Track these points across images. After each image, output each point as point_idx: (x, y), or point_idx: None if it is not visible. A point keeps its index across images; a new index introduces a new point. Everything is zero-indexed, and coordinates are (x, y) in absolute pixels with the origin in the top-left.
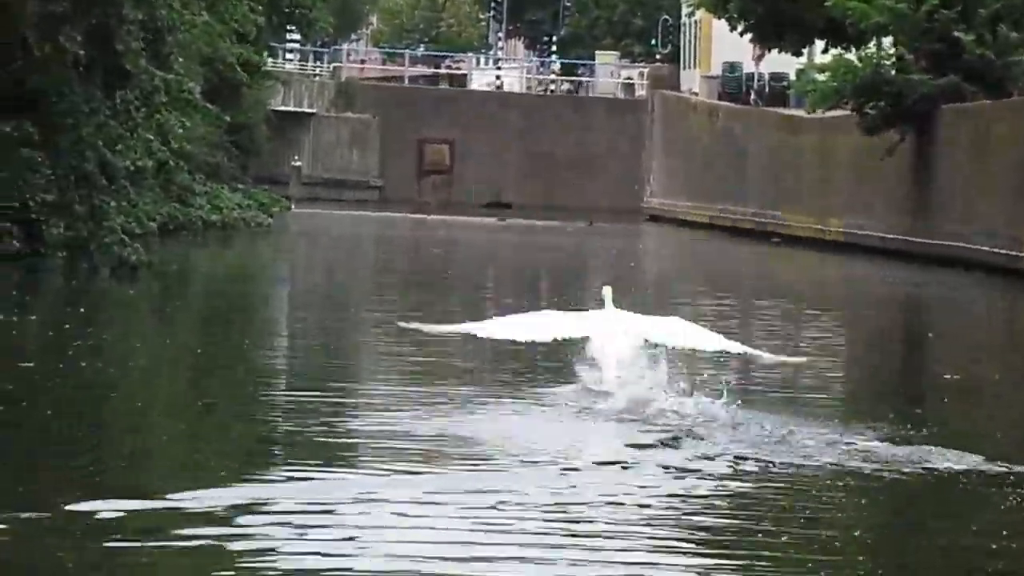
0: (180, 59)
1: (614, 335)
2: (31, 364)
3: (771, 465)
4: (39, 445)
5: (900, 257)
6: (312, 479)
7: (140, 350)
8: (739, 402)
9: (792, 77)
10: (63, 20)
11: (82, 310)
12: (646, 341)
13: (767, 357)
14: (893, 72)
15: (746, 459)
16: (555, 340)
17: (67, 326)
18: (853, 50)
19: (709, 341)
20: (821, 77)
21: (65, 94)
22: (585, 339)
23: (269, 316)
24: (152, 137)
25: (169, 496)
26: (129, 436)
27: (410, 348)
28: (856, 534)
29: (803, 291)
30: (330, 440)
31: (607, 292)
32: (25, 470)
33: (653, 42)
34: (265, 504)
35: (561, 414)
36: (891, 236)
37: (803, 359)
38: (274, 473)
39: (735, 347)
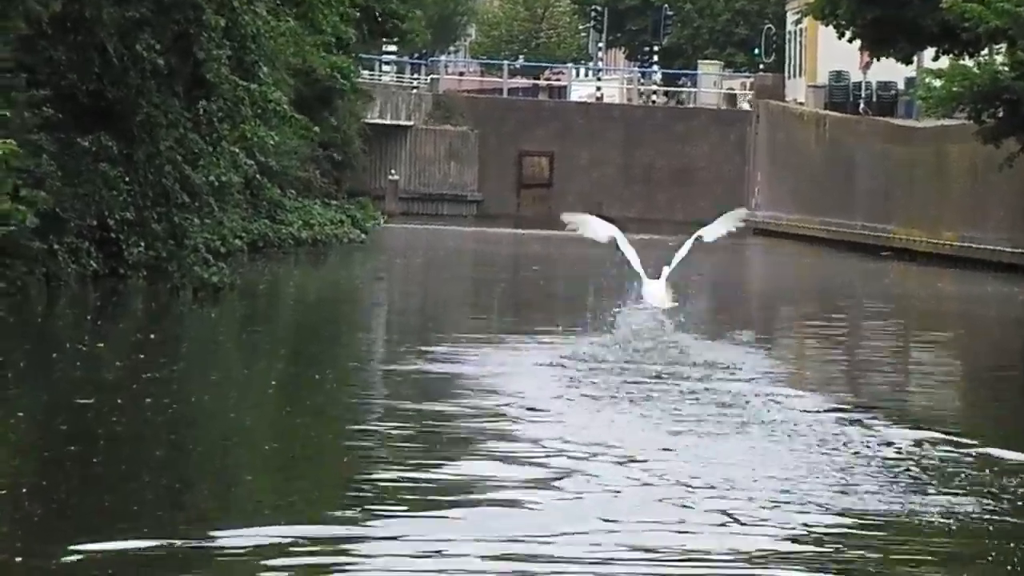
0: (266, 68)
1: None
2: (90, 400)
3: None
4: (79, 488)
5: (1019, 272)
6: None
7: (212, 383)
8: None
9: (900, 86)
10: (141, 27)
11: (154, 336)
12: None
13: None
14: (1012, 78)
15: None
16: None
17: (141, 356)
18: (966, 56)
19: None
20: (937, 83)
21: (142, 105)
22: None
23: (358, 345)
24: (238, 150)
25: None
26: (171, 487)
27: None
28: None
29: (929, 309)
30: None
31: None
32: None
33: (756, 51)
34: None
35: None
36: (1009, 250)
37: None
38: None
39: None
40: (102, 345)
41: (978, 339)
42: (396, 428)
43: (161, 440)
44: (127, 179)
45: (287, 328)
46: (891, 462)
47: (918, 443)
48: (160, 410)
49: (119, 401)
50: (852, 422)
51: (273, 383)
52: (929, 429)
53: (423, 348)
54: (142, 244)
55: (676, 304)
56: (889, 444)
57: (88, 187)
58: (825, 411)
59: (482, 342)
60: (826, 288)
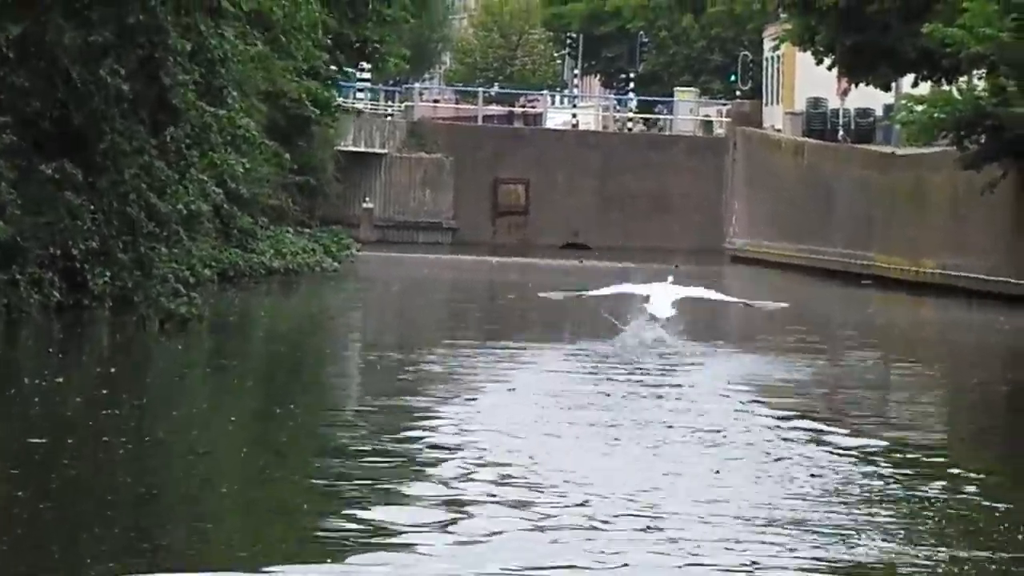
0: (235, 94)
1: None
2: (42, 440)
3: None
4: (24, 539)
5: (999, 300)
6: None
7: (174, 421)
8: None
9: (879, 113)
10: (105, 51)
11: (116, 370)
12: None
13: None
14: (994, 104)
15: None
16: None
17: (102, 391)
18: (944, 83)
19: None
20: (919, 109)
21: (106, 132)
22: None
23: (326, 380)
24: (207, 178)
25: None
26: (124, 536)
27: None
28: None
29: (913, 339)
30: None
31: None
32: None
33: (733, 78)
34: None
35: None
36: (991, 278)
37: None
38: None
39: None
40: (61, 380)
41: (960, 367)
42: (362, 466)
43: (116, 484)
44: (91, 207)
45: (255, 361)
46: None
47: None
48: (116, 450)
49: (71, 441)
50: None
51: (236, 420)
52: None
53: (393, 381)
54: (107, 274)
55: (674, 314)
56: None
57: (51, 215)
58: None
59: (454, 377)
60: (805, 315)
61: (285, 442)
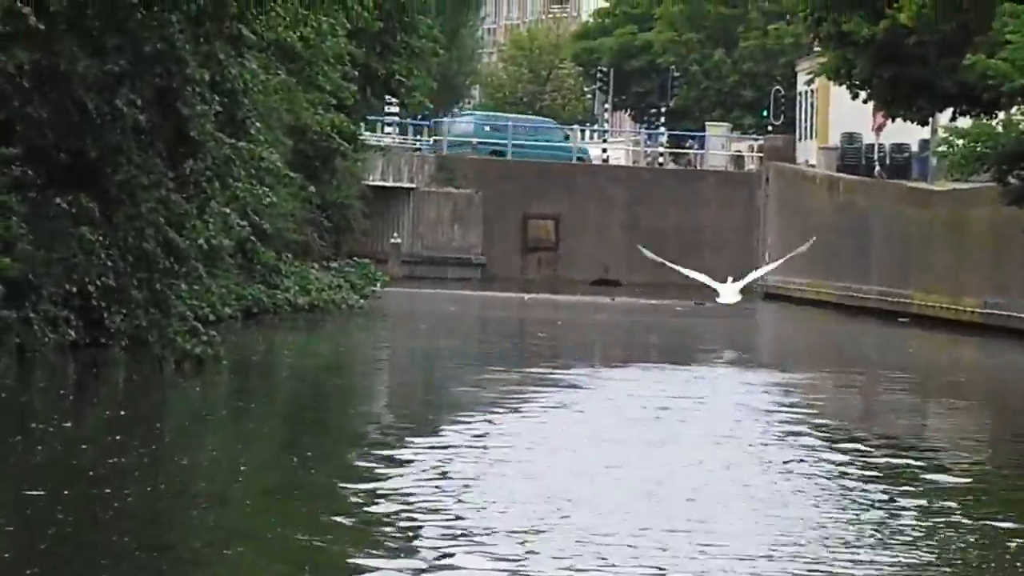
0: (258, 125)
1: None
2: (39, 492)
3: None
4: None
5: None
6: None
7: (183, 471)
8: None
9: (914, 148)
10: (121, 80)
11: (128, 414)
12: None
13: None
14: None
15: None
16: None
17: (111, 436)
18: (983, 117)
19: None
20: (960, 142)
21: (122, 164)
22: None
23: (349, 426)
24: (230, 211)
25: None
26: None
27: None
28: None
29: (953, 380)
30: None
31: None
32: None
33: (765, 113)
34: None
35: None
36: None
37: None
38: None
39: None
40: (69, 424)
41: (1008, 412)
42: (376, 531)
43: (113, 541)
44: (106, 243)
45: (275, 404)
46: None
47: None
48: (119, 502)
49: (67, 493)
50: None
51: (247, 469)
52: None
53: (422, 424)
54: (123, 312)
55: (740, 299)
56: None
57: (63, 251)
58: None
59: (485, 419)
60: (841, 355)
61: (298, 496)
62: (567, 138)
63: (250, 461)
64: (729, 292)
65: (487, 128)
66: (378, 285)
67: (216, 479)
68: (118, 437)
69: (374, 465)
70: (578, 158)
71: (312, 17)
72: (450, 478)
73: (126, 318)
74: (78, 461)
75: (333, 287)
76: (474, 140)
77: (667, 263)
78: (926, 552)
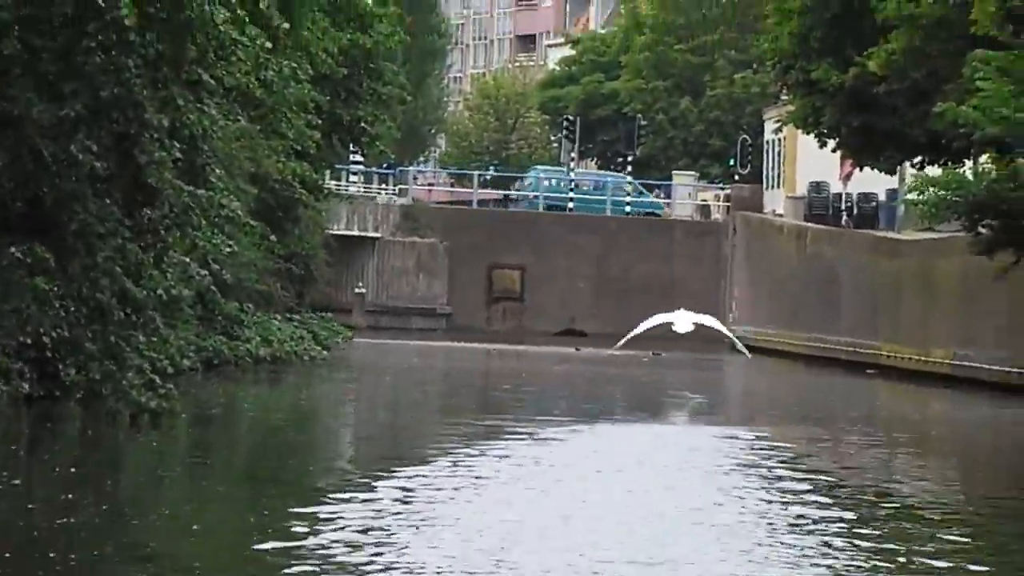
0: (219, 171)
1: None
2: None
3: None
4: None
5: (1014, 391)
6: None
7: (133, 530)
8: None
9: (881, 197)
10: (76, 126)
11: (78, 470)
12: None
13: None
14: (1010, 190)
15: None
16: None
17: (62, 495)
18: (950, 166)
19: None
20: (931, 190)
21: (77, 212)
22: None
23: (308, 481)
24: (189, 261)
25: None
26: None
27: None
28: None
29: (921, 434)
30: None
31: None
32: None
33: (732, 162)
34: None
35: None
36: (1006, 369)
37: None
38: None
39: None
40: (18, 482)
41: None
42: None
43: None
44: (61, 293)
45: (234, 459)
46: None
47: None
48: (59, 569)
49: (8, 556)
50: None
51: (199, 529)
52: None
53: (382, 481)
54: (77, 365)
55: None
56: None
57: (16, 302)
58: None
59: (453, 477)
60: (808, 408)
61: (249, 558)
62: (641, 193)
63: (203, 521)
64: (683, 321)
65: (554, 183)
66: (343, 337)
67: (167, 540)
68: (69, 496)
69: (327, 527)
70: (648, 212)
71: (274, 62)
72: (394, 539)
73: (80, 371)
74: (24, 522)
75: (296, 338)
76: (531, 195)
77: (631, 336)
78: None
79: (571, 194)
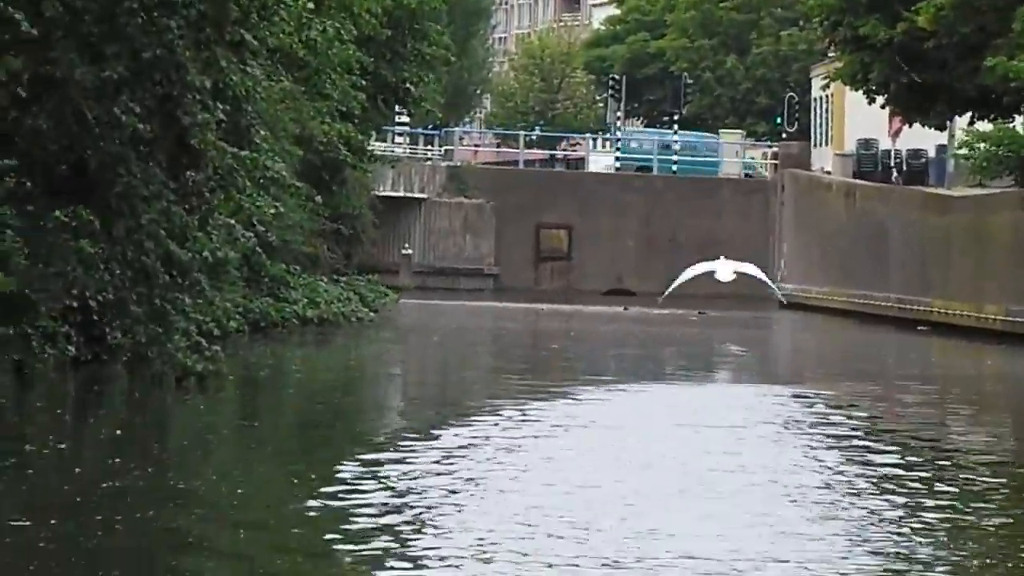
0: (263, 133)
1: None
2: (23, 522)
3: None
4: None
5: None
6: None
7: (179, 495)
8: None
9: (931, 153)
10: (119, 88)
11: (124, 434)
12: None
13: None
14: None
15: None
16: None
17: (107, 459)
18: (1001, 120)
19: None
20: (982, 146)
21: (121, 175)
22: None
23: (357, 445)
24: (234, 223)
25: None
26: None
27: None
28: None
29: (981, 390)
30: None
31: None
32: None
33: (778, 120)
34: None
35: None
36: None
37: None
38: None
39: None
40: (64, 446)
41: None
42: (397, 545)
43: None
44: (105, 256)
45: (281, 422)
46: None
47: None
48: (102, 535)
49: (53, 523)
50: None
51: (245, 493)
52: None
53: (430, 447)
54: (123, 327)
55: (734, 278)
56: None
57: (62, 265)
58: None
59: (497, 441)
60: (862, 365)
61: (299, 523)
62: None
63: (250, 483)
64: (724, 269)
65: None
66: (390, 298)
67: (213, 503)
68: (115, 459)
69: (375, 489)
70: (746, 174)
71: (317, 22)
72: (450, 504)
73: (126, 334)
74: (70, 487)
75: (343, 300)
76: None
77: (675, 285)
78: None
79: (674, 156)
